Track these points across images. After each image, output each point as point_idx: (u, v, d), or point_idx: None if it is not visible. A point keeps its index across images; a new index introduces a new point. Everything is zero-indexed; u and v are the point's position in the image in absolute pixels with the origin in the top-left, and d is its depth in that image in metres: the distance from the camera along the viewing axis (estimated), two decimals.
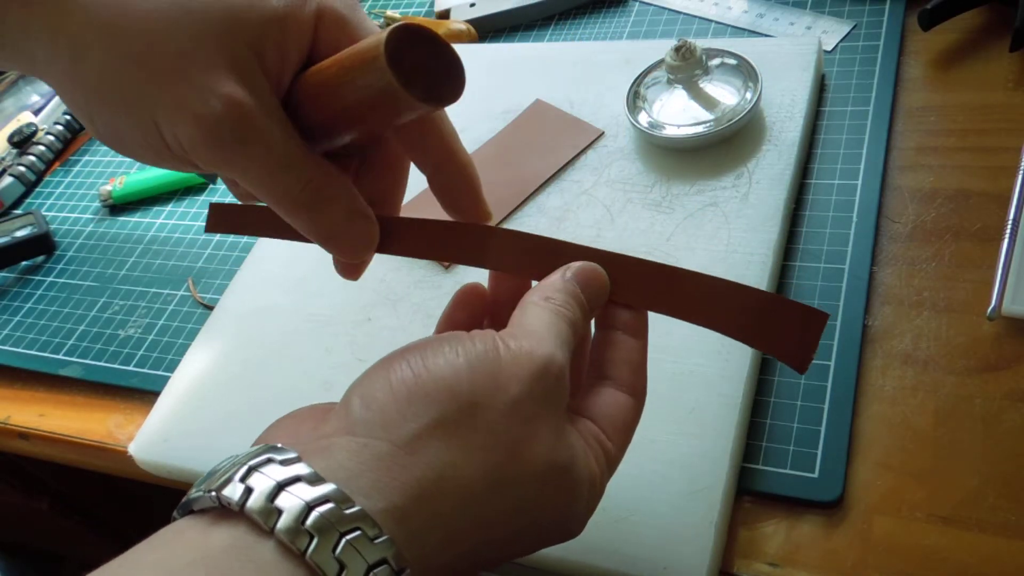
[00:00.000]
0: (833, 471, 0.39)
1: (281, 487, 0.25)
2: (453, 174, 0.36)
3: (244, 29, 0.30)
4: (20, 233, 0.66)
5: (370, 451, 0.27)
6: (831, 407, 0.41)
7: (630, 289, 0.33)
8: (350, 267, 0.38)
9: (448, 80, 0.30)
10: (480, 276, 0.51)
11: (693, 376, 0.43)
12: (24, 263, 0.67)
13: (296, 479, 0.25)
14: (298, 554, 0.24)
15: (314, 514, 0.24)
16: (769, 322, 0.31)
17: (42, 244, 0.67)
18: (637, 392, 0.33)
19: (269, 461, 0.26)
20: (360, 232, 0.34)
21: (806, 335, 0.31)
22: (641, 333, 0.33)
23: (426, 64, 0.29)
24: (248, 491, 0.25)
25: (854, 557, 0.37)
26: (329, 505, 0.25)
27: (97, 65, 0.29)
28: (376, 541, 0.25)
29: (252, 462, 0.27)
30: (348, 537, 0.24)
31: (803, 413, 0.42)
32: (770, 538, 0.39)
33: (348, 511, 0.25)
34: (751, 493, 0.40)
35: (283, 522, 0.24)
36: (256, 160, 0.30)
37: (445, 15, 0.71)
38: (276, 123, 0.30)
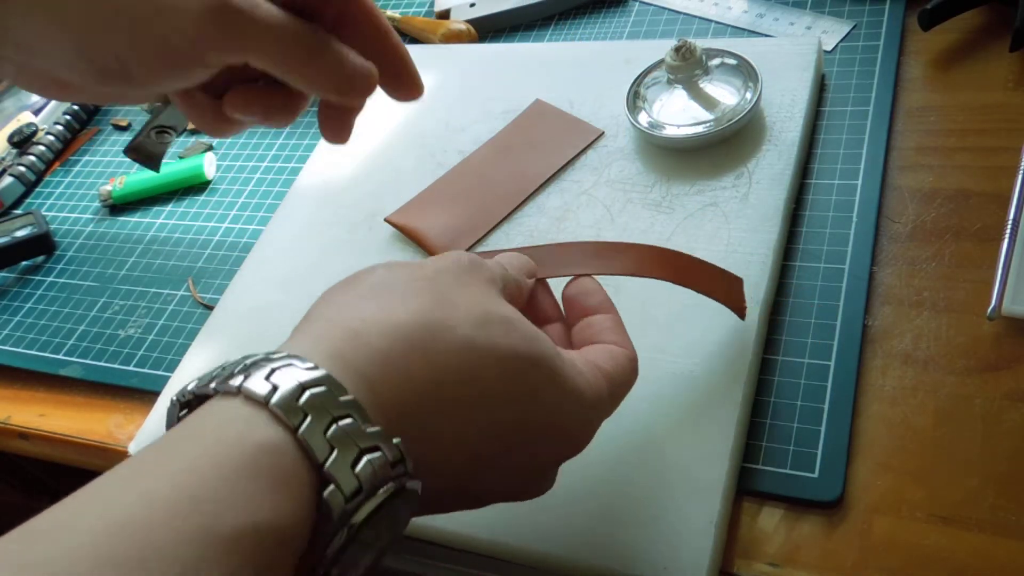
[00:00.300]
0: (833, 471, 0.39)
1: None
2: (390, 50, 0.38)
3: None
4: (20, 233, 0.66)
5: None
6: (831, 407, 0.41)
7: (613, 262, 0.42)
8: (340, 128, 0.42)
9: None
10: None
11: (693, 376, 0.43)
12: (24, 263, 0.67)
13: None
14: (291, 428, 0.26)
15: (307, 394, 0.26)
16: (702, 277, 0.42)
17: (42, 244, 0.67)
18: (625, 345, 0.36)
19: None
20: (365, 70, 0.36)
21: (732, 291, 0.42)
22: (608, 308, 0.37)
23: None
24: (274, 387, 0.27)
25: (854, 557, 0.37)
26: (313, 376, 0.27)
27: None
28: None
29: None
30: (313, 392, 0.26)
31: (803, 413, 0.42)
32: (770, 538, 0.39)
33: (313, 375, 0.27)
34: (751, 493, 0.40)
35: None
36: (267, 26, 0.33)
37: (445, 15, 0.71)
38: None
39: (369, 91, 0.38)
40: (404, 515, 0.28)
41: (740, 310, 0.43)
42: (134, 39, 0.32)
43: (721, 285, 0.43)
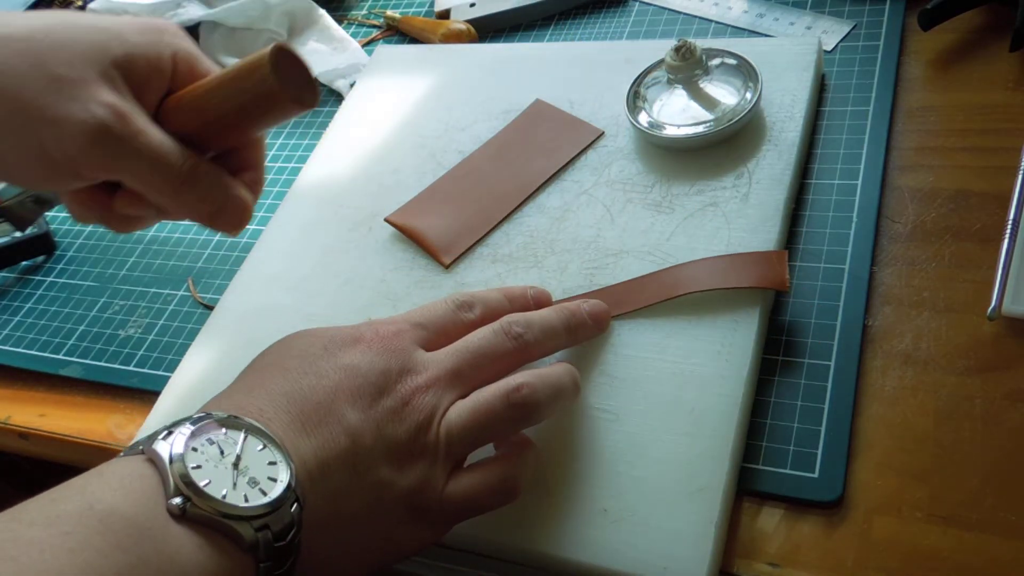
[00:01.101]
0: (833, 471, 0.39)
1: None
2: (259, 179, 0.44)
3: (112, 53, 0.37)
4: (20, 233, 0.66)
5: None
6: (831, 407, 0.41)
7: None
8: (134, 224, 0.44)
9: (308, 89, 0.38)
10: (478, 278, 0.51)
11: (693, 376, 0.43)
12: (24, 263, 0.67)
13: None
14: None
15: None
16: (741, 272, 0.44)
17: (42, 244, 0.66)
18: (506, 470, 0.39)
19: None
20: (238, 207, 0.41)
21: (772, 269, 0.44)
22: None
23: (293, 75, 0.38)
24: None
25: (854, 557, 0.37)
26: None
27: None
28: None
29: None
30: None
31: (803, 413, 0.42)
32: (770, 538, 0.39)
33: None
34: (751, 493, 0.40)
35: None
36: (142, 154, 0.37)
37: (445, 15, 0.71)
38: (151, 124, 0.38)
39: (240, 227, 0.42)
40: None
41: (781, 283, 0.43)
42: (18, 143, 0.36)
43: (756, 270, 0.44)
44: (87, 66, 0.36)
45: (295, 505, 0.32)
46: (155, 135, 0.37)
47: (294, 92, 0.37)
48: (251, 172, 0.43)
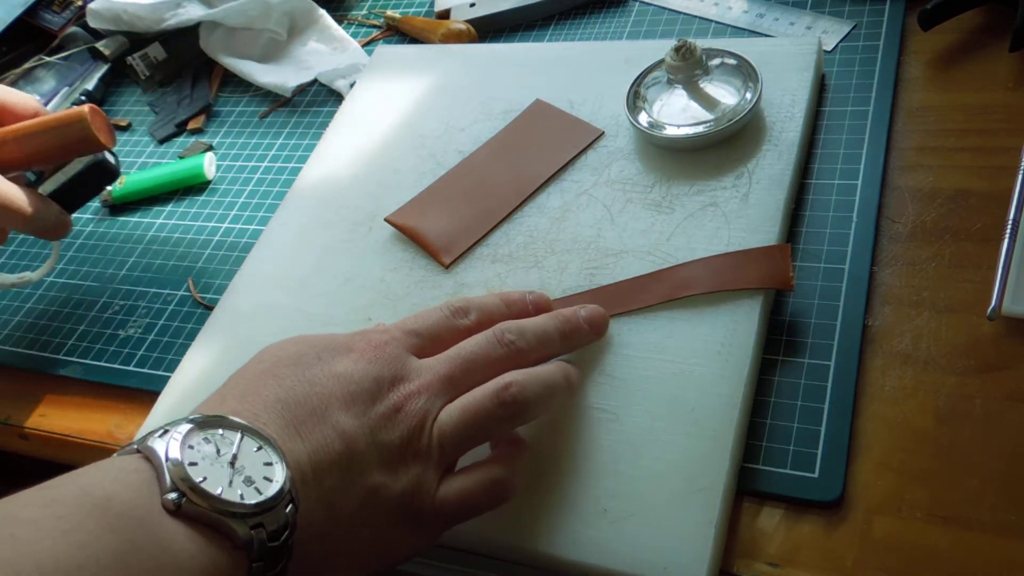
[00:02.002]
0: (833, 471, 0.39)
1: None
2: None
3: None
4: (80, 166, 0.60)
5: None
6: (831, 407, 0.41)
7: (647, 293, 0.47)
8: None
9: (109, 134, 0.56)
10: (478, 277, 0.51)
11: (693, 376, 0.43)
12: None
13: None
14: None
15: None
16: (743, 271, 0.45)
17: (105, 171, 0.60)
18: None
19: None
20: (64, 224, 0.57)
21: (775, 268, 0.44)
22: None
23: (100, 124, 0.55)
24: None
25: (854, 557, 0.37)
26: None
27: None
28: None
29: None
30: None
31: (803, 413, 0.42)
32: (770, 538, 0.39)
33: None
34: (751, 493, 0.40)
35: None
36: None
37: (445, 15, 0.71)
38: None
39: (66, 236, 0.58)
40: None
41: (785, 282, 0.43)
42: None
43: (759, 269, 0.44)
44: None
45: (290, 506, 0.32)
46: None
47: (103, 137, 0.55)
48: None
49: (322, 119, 0.69)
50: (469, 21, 0.69)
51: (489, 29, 0.70)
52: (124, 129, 0.77)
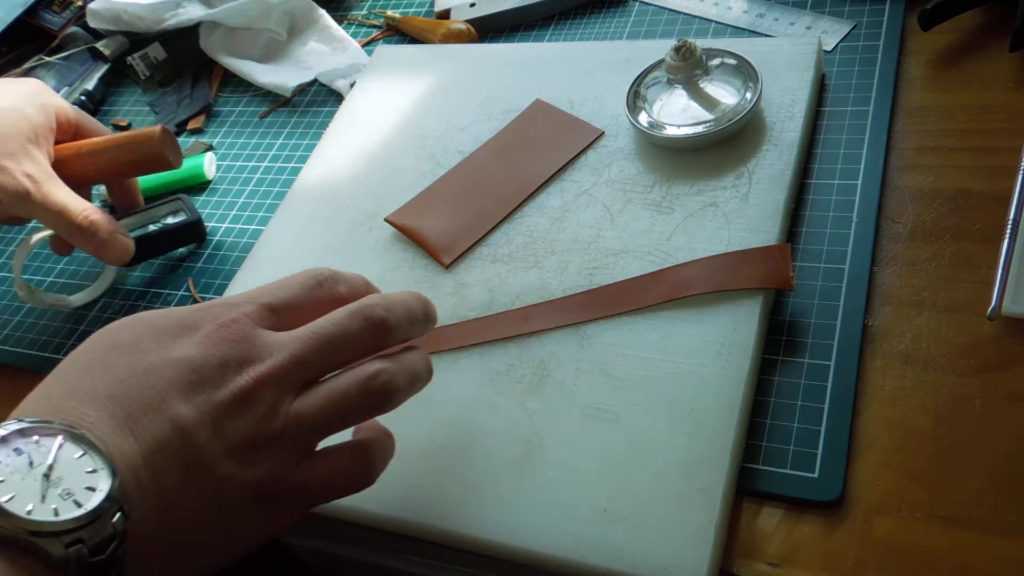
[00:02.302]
0: (833, 471, 0.39)
1: None
2: (135, 200, 0.64)
3: (24, 132, 0.55)
4: (171, 220, 0.62)
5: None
6: (831, 407, 0.41)
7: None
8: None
9: (177, 155, 0.59)
10: (478, 277, 0.51)
11: (693, 376, 0.43)
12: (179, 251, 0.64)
13: None
14: None
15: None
16: (742, 270, 0.45)
17: (194, 232, 0.63)
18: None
19: None
20: (121, 245, 0.57)
21: (775, 267, 0.44)
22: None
23: (170, 143, 0.58)
24: None
25: (854, 557, 0.37)
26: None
27: None
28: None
29: None
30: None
31: (803, 413, 0.42)
32: (770, 538, 0.39)
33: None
34: (751, 493, 0.40)
35: None
36: (51, 208, 0.54)
37: (445, 15, 0.71)
38: (57, 184, 0.55)
39: (126, 260, 0.58)
40: None
41: (785, 281, 0.44)
42: None
43: (759, 268, 0.44)
44: (10, 145, 0.54)
45: (118, 515, 0.30)
46: (61, 194, 0.55)
47: (171, 156, 0.58)
48: (132, 200, 0.63)
49: (322, 119, 0.69)
50: (469, 21, 0.69)
51: (489, 29, 0.70)
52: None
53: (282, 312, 0.37)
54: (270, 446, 0.34)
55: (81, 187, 0.58)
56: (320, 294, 0.39)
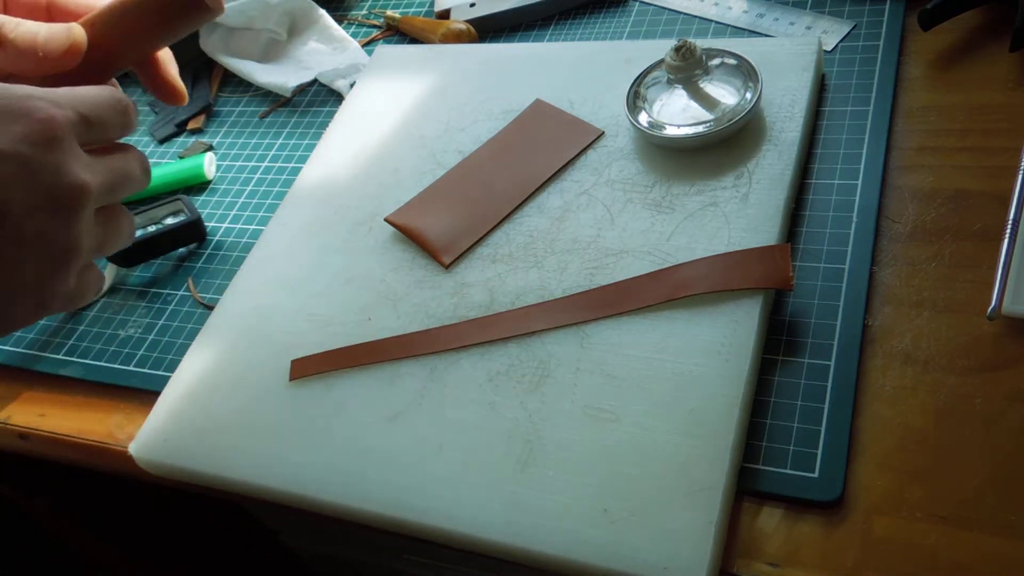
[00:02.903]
0: (833, 471, 0.39)
1: None
2: (172, 85, 0.46)
3: None
4: (171, 220, 0.63)
5: None
6: (831, 407, 0.41)
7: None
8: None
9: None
10: (478, 277, 0.51)
11: (693, 376, 0.43)
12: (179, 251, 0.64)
13: None
14: None
15: None
16: (742, 271, 0.45)
17: (194, 231, 0.63)
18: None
19: None
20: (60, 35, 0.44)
21: (775, 267, 0.44)
22: None
23: None
24: None
25: (854, 557, 0.37)
26: None
27: None
28: None
29: None
30: None
31: (803, 413, 0.42)
32: (770, 538, 0.39)
33: None
34: (751, 493, 0.40)
35: None
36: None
37: (445, 15, 0.71)
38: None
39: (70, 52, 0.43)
40: None
41: (785, 281, 0.44)
42: None
43: (759, 268, 0.45)
44: None
45: None
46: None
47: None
48: (172, 85, 0.47)
49: (322, 119, 0.69)
50: (469, 21, 0.69)
51: (489, 29, 0.70)
52: None
53: (94, 128, 0.37)
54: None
55: (103, 70, 0.46)
56: (120, 122, 0.38)
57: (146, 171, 0.39)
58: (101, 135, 0.37)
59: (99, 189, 0.35)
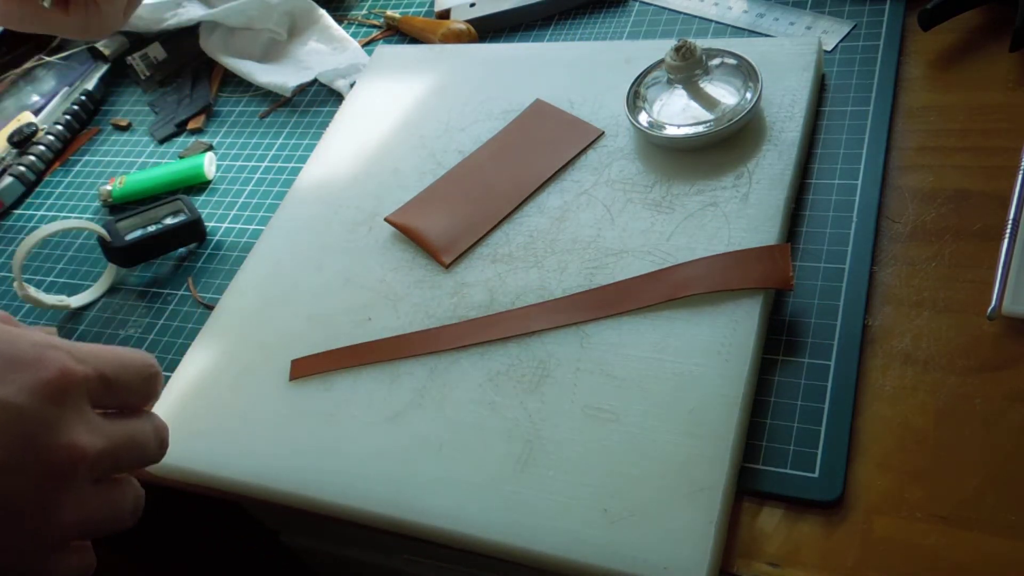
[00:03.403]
0: (833, 471, 0.39)
1: None
2: None
3: None
4: (170, 220, 0.63)
5: None
6: (831, 407, 0.41)
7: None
8: None
9: None
10: (478, 277, 0.51)
11: (693, 376, 0.43)
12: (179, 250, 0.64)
13: None
14: None
15: None
16: (742, 270, 0.45)
17: (194, 231, 0.63)
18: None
19: None
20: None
21: (774, 267, 0.44)
22: None
23: None
24: None
25: (854, 557, 0.37)
26: None
27: None
28: None
29: None
30: None
31: (803, 413, 0.42)
32: (770, 538, 0.39)
33: None
34: (751, 493, 0.40)
35: None
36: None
37: (445, 15, 0.71)
38: None
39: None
40: None
41: (785, 281, 0.44)
42: None
43: (759, 268, 0.44)
44: None
45: None
46: None
47: None
48: None
49: (322, 119, 0.69)
50: (469, 21, 0.69)
51: (489, 29, 0.70)
52: (124, 129, 0.77)
53: (113, 390, 0.34)
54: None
55: None
56: (144, 389, 0.36)
57: (162, 443, 0.36)
58: (121, 399, 0.34)
59: (99, 456, 0.31)
